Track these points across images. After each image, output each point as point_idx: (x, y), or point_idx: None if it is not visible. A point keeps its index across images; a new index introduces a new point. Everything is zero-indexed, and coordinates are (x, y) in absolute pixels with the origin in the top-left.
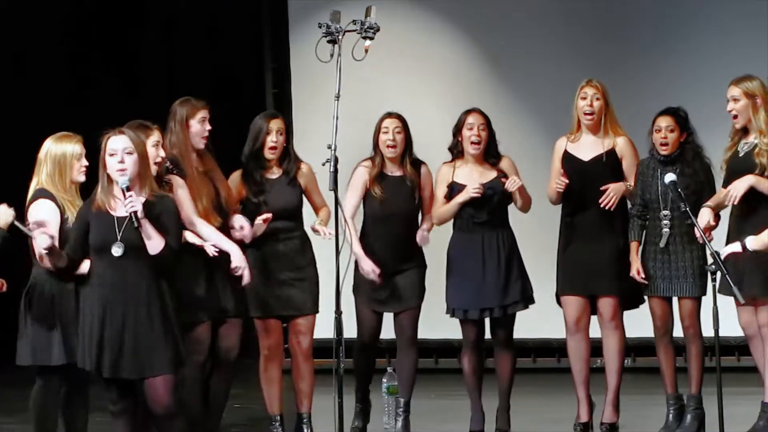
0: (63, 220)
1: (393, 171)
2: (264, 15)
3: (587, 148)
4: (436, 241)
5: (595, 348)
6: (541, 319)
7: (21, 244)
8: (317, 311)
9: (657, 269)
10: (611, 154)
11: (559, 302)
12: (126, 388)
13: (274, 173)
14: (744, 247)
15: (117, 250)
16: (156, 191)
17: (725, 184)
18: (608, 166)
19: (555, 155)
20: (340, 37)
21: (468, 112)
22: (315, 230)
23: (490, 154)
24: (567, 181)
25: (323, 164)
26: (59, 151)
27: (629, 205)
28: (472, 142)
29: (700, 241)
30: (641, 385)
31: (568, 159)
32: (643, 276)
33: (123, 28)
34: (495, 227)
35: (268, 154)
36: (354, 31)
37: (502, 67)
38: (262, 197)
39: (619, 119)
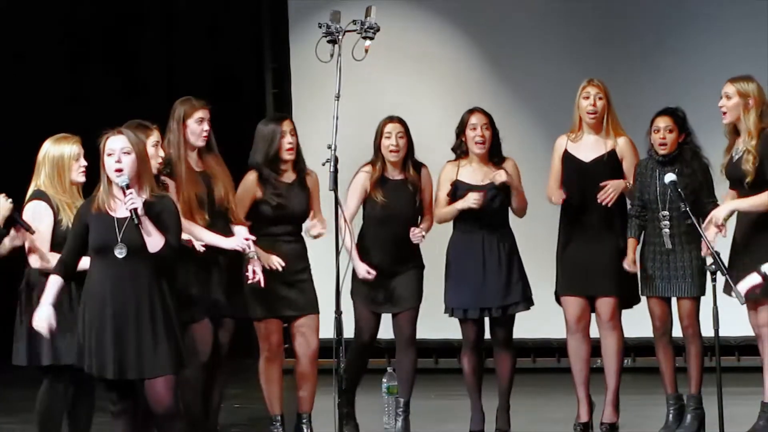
0: (57, 222)
1: (394, 175)
2: (264, 15)
3: (588, 148)
4: (436, 241)
5: (595, 348)
6: (541, 319)
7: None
8: (319, 311)
9: (656, 269)
10: (612, 154)
11: (558, 302)
12: (126, 389)
13: (289, 177)
14: (764, 276)
15: (120, 252)
16: (156, 191)
17: (731, 187)
18: (609, 166)
19: (555, 154)
20: (340, 37)
21: (471, 111)
22: (314, 231)
23: (494, 154)
24: (565, 196)
25: (323, 164)
26: (57, 152)
27: (629, 206)
28: (476, 143)
29: (706, 253)
30: (641, 385)
31: (568, 159)
32: (636, 269)
33: (123, 28)
34: (495, 228)
35: (286, 156)
36: (354, 31)
37: (502, 67)
38: (281, 200)
39: (619, 119)
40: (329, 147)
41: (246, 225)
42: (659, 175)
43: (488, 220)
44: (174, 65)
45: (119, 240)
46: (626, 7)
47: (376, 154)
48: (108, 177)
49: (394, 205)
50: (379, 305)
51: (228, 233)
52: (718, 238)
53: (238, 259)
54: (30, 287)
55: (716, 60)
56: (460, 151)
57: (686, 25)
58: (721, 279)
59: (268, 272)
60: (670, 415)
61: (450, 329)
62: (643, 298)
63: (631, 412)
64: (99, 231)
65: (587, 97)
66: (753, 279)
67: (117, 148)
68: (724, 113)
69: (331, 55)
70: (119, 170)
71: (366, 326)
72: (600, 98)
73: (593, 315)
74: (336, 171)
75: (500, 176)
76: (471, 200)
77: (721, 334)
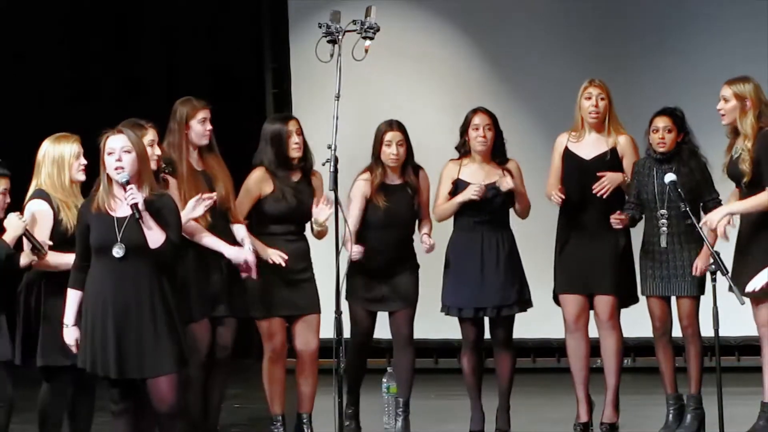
0: (57, 222)
1: (393, 180)
2: (264, 15)
3: (589, 146)
4: (436, 241)
5: (595, 348)
6: (541, 319)
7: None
8: (320, 311)
9: (655, 269)
10: (613, 152)
11: (556, 301)
12: (128, 388)
13: (296, 176)
14: None
15: (118, 252)
16: (155, 189)
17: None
18: (609, 164)
19: (555, 152)
20: (340, 37)
21: (474, 111)
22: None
23: (496, 154)
24: (563, 196)
25: (323, 164)
26: (57, 151)
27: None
28: (478, 143)
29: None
30: (641, 385)
31: (568, 157)
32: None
33: (123, 28)
34: (495, 227)
35: (295, 154)
36: (354, 31)
37: (502, 67)
38: (290, 198)
39: (620, 119)
40: (329, 147)
41: (244, 223)
42: (657, 174)
43: (488, 219)
44: (174, 65)
45: (119, 239)
46: (626, 7)
47: (375, 160)
48: (108, 176)
49: (396, 210)
50: (375, 304)
51: (229, 233)
52: (721, 239)
53: None
54: (29, 288)
55: (716, 60)
56: (463, 150)
57: (686, 25)
58: (721, 279)
59: (270, 270)
60: (670, 415)
61: (450, 329)
62: (643, 298)
63: (631, 412)
64: (99, 231)
65: (589, 98)
66: (764, 276)
67: (118, 147)
68: (723, 116)
69: (331, 55)
70: (119, 168)
71: (362, 325)
72: (602, 98)
73: (592, 314)
74: (336, 171)
75: (507, 183)
76: (471, 191)
77: (721, 334)
